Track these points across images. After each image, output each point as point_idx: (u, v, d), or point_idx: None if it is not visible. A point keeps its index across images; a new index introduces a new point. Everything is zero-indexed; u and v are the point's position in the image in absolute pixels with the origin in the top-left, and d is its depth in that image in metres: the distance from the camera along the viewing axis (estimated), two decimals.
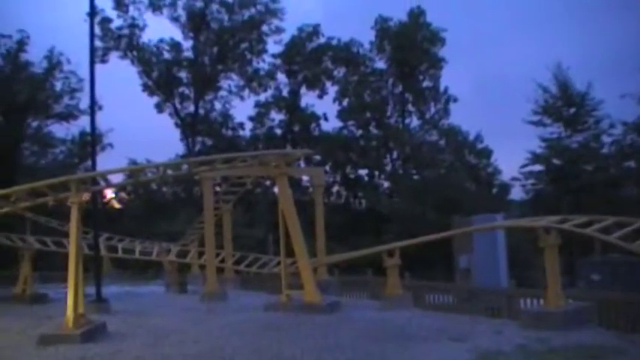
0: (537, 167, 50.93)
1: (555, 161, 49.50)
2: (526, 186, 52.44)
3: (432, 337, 13.69)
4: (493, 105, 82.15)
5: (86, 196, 17.32)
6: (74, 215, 15.85)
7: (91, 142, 26.08)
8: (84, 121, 50.74)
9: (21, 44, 50.85)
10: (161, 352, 12.95)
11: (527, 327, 13.88)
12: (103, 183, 19.77)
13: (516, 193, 56.68)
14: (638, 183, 48.04)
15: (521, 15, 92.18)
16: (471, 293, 21.87)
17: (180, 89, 61.74)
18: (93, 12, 24.68)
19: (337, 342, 13.28)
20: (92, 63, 22.70)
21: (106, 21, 57.65)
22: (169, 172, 22.36)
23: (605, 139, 49.34)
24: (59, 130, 53.48)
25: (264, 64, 63.48)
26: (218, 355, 12.47)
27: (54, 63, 52.60)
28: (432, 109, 64.76)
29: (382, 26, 63.89)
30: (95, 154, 23.84)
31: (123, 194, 57.58)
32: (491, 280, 26.66)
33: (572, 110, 49.07)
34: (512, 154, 75.07)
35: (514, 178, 53.83)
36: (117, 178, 20.43)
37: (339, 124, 64.13)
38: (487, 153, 61.90)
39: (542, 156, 49.99)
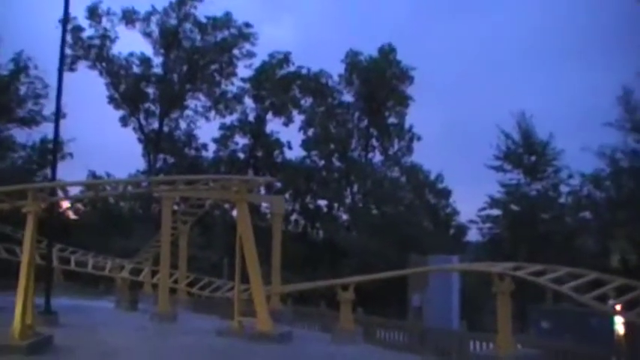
0: (495, 212, 51.49)
1: (513, 207, 50.08)
2: (483, 229, 52.88)
3: None
4: (455, 146, 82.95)
5: (43, 205, 17.05)
6: (30, 224, 15.60)
7: (52, 151, 25.69)
8: (46, 128, 50.02)
9: None
10: None
11: None
12: (61, 194, 19.50)
13: (473, 236, 57.07)
14: (593, 234, 48.80)
15: (490, 61, 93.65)
16: (422, 333, 21.90)
17: (147, 105, 61.38)
18: (66, 19, 24.57)
19: None
20: (61, 71, 22.51)
21: (77, 29, 57.17)
22: (130, 188, 22.20)
23: (563, 188, 50.22)
24: (20, 134, 52.78)
25: (232, 87, 63.30)
26: None
27: (20, 67, 51.99)
28: (396, 146, 65.16)
29: (352, 60, 64.31)
30: (56, 163, 23.50)
31: (79, 205, 56.75)
32: (443, 320, 26.71)
33: (533, 158, 49.82)
34: (471, 196, 75.54)
35: (471, 221, 54.27)
36: (75, 189, 20.15)
37: (302, 153, 64.17)
38: (446, 193, 62.30)
39: (501, 201, 50.55)
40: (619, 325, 22.27)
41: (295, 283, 29.87)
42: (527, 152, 49.84)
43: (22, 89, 52.42)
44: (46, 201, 17.76)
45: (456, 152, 79.78)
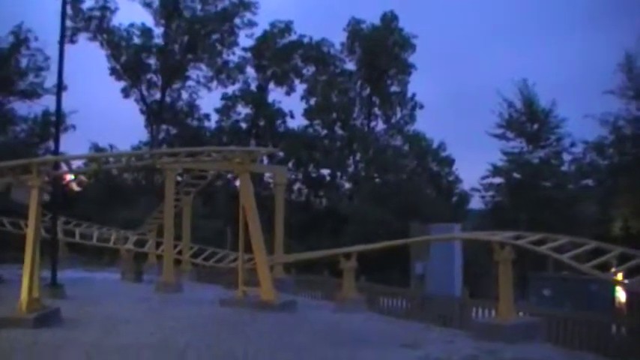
0: (497, 179, 51.61)
1: (515, 175, 50.20)
2: (485, 197, 53.11)
3: (384, 342, 13.87)
4: (458, 115, 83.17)
5: (46, 179, 17.16)
6: (34, 198, 15.70)
7: (55, 124, 25.75)
8: (47, 101, 50.07)
9: None
10: (114, 342, 12.94)
11: (478, 338, 14.09)
12: (64, 167, 19.61)
13: (475, 204, 57.32)
14: (595, 201, 48.94)
15: (492, 29, 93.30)
16: (424, 300, 22.13)
17: (148, 76, 61.22)
18: None
19: (290, 342, 13.40)
20: (62, 43, 22.46)
21: (77, 1, 56.89)
22: (133, 160, 22.30)
23: (566, 156, 50.33)
24: (22, 107, 52.81)
25: (234, 56, 63.15)
26: (170, 348, 12.49)
27: (21, 39, 51.90)
28: (398, 114, 65.26)
29: (354, 28, 64.15)
30: (59, 136, 23.54)
31: (82, 177, 56.90)
32: (446, 288, 26.89)
33: (535, 126, 49.84)
34: (474, 164, 75.82)
35: (474, 189, 54.52)
36: (78, 162, 20.28)
37: (304, 122, 64.39)
38: (449, 161, 62.48)
39: (503, 169, 50.66)
40: (620, 292, 22.50)
41: (299, 251, 30.14)
42: (529, 120, 49.90)
43: (23, 62, 52.45)
44: (50, 175, 17.87)
45: (458, 120, 79.92)
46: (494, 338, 13.70)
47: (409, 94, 64.75)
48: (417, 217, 40.83)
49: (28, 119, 53.26)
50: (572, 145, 49.24)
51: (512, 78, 50.52)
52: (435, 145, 62.45)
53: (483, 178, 51.82)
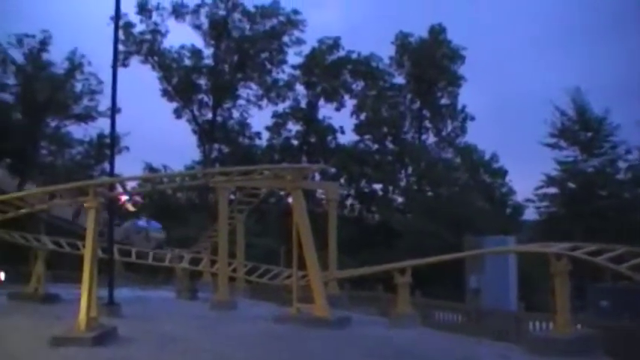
0: (552, 190, 50.80)
1: (570, 185, 49.36)
2: (540, 208, 52.28)
3: (437, 358, 13.76)
4: (510, 125, 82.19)
5: (103, 200, 17.48)
6: (91, 219, 16.03)
7: (110, 146, 26.27)
8: (102, 123, 51.14)
9: (43, 44, 51.37)
10: (169, 359, 13.07)
11: (533, 352, 13.89)
12: (120, 188, 19.97)
13: (530, 214, 56.50)
14: None
15: (542, 37, 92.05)
16: (479, 314, 21.86)
17: (199, 96, 62.32)
18: (118, 16, 25.00)
19: (344, 359, 13.38)
20: (115, 67, 22.92)
21: (128, 25, 58.18)
22: (186, 180, 22.61)
23: (621, 164, 49.29)
24: (77, 130, 53.93)
25: (283, 74, 63.92)
26: None
27: (75, 64, 53.06)
28: (449, 127, 65.12)
29: (402, 42, 64.22)
30: (114, 158, 24.00)
31: (137, 197, 57.85)
32: (501, 301, 26.66)
33: (589, 134, 48.98)
34: (527, 175, 74.69)
35: (528, 200, 53.72)
36: (132, 183, 20.72)
37: (355, 137, 64.54)
38: (502, 173, 61.73)
39: (557, 179, 49.85)
40: None
41: (352, 266, 30.04)
42: (582, 128, 49.03)
43: (78, 86, 53.59)
44: (106, 196, 18.22)
45: (510, 130, 78.96)
46: (550, 352, 13.48)
47: (459, 106, 64.60)
48: (471, 229, 40.48)
49: (84, 142, 54.32)
50: (628, 152, 48.25)
51: (564, 86, 49.72)
52: (487, 156, 61.81)
53: (537, 188, 51.06)
